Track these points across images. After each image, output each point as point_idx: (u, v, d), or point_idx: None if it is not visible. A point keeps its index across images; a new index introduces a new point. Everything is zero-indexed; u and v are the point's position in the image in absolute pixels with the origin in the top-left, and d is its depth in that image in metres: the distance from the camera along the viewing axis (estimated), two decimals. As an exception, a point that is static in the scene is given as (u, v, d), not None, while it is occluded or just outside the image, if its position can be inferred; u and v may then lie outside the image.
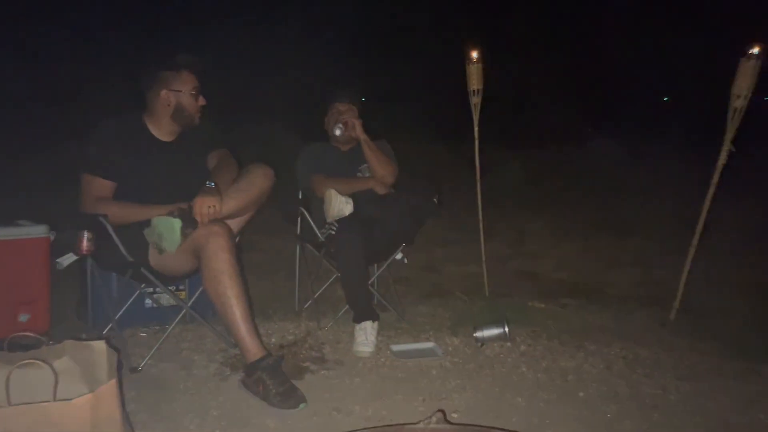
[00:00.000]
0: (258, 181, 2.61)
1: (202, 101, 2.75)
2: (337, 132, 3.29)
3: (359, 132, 3.27)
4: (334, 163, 3.29)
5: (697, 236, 3.34)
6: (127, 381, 2.48)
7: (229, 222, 2.55)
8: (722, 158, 3.26)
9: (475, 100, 3.69)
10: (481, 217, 3.76)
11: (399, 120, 8.91)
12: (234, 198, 2.54)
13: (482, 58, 3.64)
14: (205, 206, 2.44)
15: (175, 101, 2.70)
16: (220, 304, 2.43)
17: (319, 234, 3.16)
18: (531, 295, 3.83)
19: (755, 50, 3.15)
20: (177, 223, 2.41)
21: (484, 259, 3.83)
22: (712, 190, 3.30)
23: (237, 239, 2.67)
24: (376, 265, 3.33)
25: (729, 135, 3.24)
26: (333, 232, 3.02)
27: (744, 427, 2.31)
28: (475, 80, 3.66)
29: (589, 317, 3.47)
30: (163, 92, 2.70)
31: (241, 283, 2.45)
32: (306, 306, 3.42)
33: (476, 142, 3.73)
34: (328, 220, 3.06)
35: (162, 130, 2.77)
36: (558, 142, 8.34)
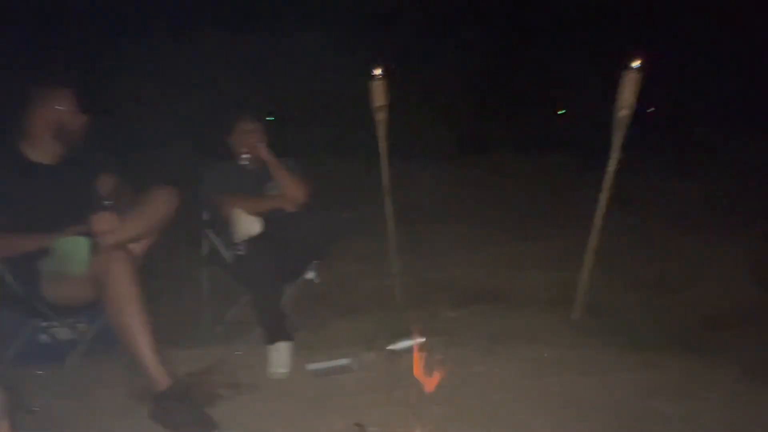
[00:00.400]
0: (160, 202, 2.51)
1: (83, 119, 2.63)
2: (244, 162, 3.22)
3: (265, 154, 3.22)
4: (240, 181, 3.22)
5: (593, 238, 3.52)
6: (22, 424, 2.31)
7: (131, 246, 2.44)
8: (611, 165, 3.47)
9: (380, 116, 3.74)
10: (392, 230, 3.81)
11: (311, 137, 8.89)
12: (136, 221, 2.43)
13: (387, 72, 3.69)
14: (103, 223, 2.32)
15: (54, 119, 2.56)
16: (124, 334, 2.31)
17: (226, 255, 3.08)
18: (443, 304, 3.90)
19: (636, 63, 3.39)
20: (85, 241, 2.28)
21: (396, 271, 3.87)
22: (605, 196, 3.49)
23: (140, 264, 2.55)
24: (288, 283, 3.29)
25: (616, 144, 3.45)
26: (241, 253, 2.95)
27: (644, 417, 2.44)
28: (379, 97, 3.71)
29: (499, 322, 3.56)
30: (42, 110, 2.55)
31: (146, 310, 2.35)
32: (216, 331, 3.31)
33: (384, 158, 3.78)
34: (236, 240, 2.99)
35: (43, 152, 2.61)
36: (465, 154, 8.59)
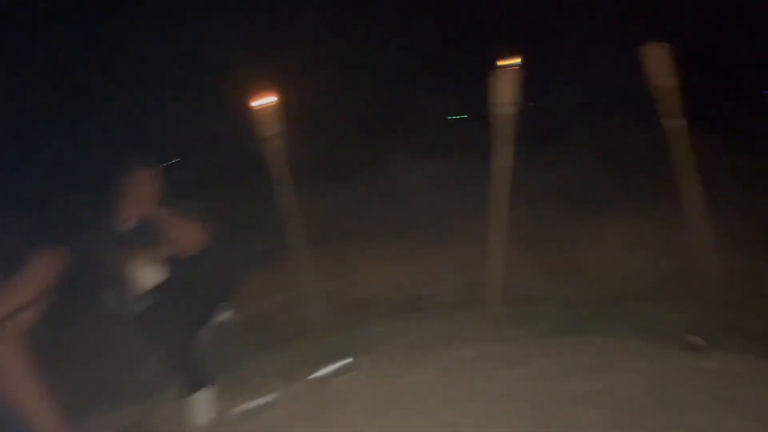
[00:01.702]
0: (41, 268, 2.36)
1: None
2: (128, 226, 3.00)
3: (150, 210, 3.02)
4: (134, 233, 3.06)
5: (499, 234, 3.63)
6: None
7: (18, 318, 2.27)
8: (504, 161, 3.61)
9: (273, 144, 3.72)
10: (303, 254, 3.77)
11: (204, 172, 8.68)
12: (18, 290, 2.27)
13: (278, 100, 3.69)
14: None
15: None
16: (25, 413, 2.15)
17: (133, 310, 2.93)
18: (368, 320, 3.89)
19: (512, 61, 3.56)
20: None
21: (313, 296, 3.83)
22: (504, 190, 3.62)
23: (31, 335, 2.38)
24: (201, 327, 3.17)
25: (503, 140, 3.59)
26: (148, 304, 2.82)
27: (563, 395, 2.53)
28: (269, 125, 3.69)
29: (424, 329, 3.60)
30: None
31: (44, 382, 2.19)
32: (137, 389, 3.14)
33: (284, 185, 3.76)
34: (141, 292, 2.85)
35: None
36: (360, 170, 8.58)
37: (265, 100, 3.69)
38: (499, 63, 3.53)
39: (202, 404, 2.76)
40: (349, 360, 3.07)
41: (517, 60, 3.63)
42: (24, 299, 2.30)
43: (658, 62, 3.48)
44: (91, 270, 3.08)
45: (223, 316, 3.13)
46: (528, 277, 4.24)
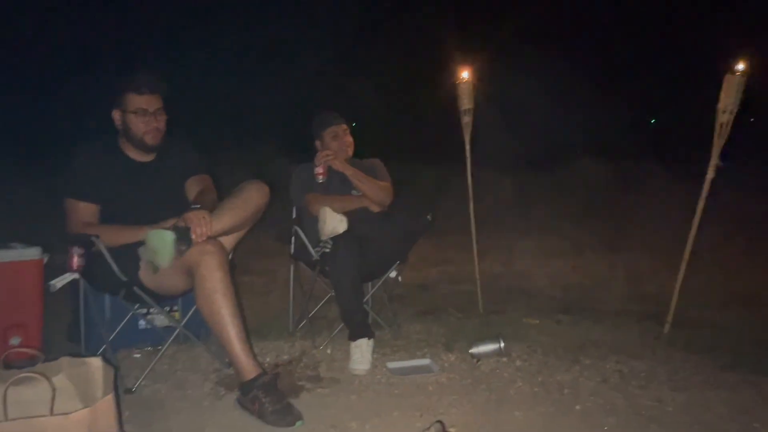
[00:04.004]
0: (253, 196, 2.59)
1: (154, 124, 2.72)
2: (320, 180, 3.24)
3: (341, 167, 3.25)
4: (327, 181, 3.29)
5: (688, 250, 3.37)
6: (121, 402, 2.46)
7: (222, 239, 2.53)
8: (710, 173, 3.31)
9: (466, 120, 3.74)
10: (474, 236, 3.80)
11: (392, 140, 8.97)
12: (228, 214, 2.51)
13: (473, 76, 3.70)
14: (201, 222, 2.42)
15: (121, 122, 2.72)
16: (214, 324, 2.41)
17: (313, 252, 3.16)
18: (525, 311, 3.84)
19: (740, 66, 3.22)
20: (169, 235, 2.38)
21: (477, 276, 3.85)
22: (701, 205, 3.33)
23: (231, 256, 2.66)
24: (370, 283, 3.34)
25: (716, 150, 3.28)
26: (327, 250, 3.02)
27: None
28: (465, 99, 3.71)
29: (584, 332, 3.47)
30: (114, 112, 2.72)
31: (236, 301, 2.43)
32: (301, 325, 3.40)
33: (468, 162, 3.78)
34: (323, 238, 3.06)
35: (134, 150, 2.77)
36: (547, 163, 8.42)
37: (462, 75, 3.70)
38: (727, 68, 3.21)
39: (360, 352, 2.90)
40: (503, 344, 3.05)
41: (744, 66, 3.28)
42: (232, 222, 2.53)
43: None
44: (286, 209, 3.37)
45: (392, 275, 3.26)
46: (712, 300, 3.90)
